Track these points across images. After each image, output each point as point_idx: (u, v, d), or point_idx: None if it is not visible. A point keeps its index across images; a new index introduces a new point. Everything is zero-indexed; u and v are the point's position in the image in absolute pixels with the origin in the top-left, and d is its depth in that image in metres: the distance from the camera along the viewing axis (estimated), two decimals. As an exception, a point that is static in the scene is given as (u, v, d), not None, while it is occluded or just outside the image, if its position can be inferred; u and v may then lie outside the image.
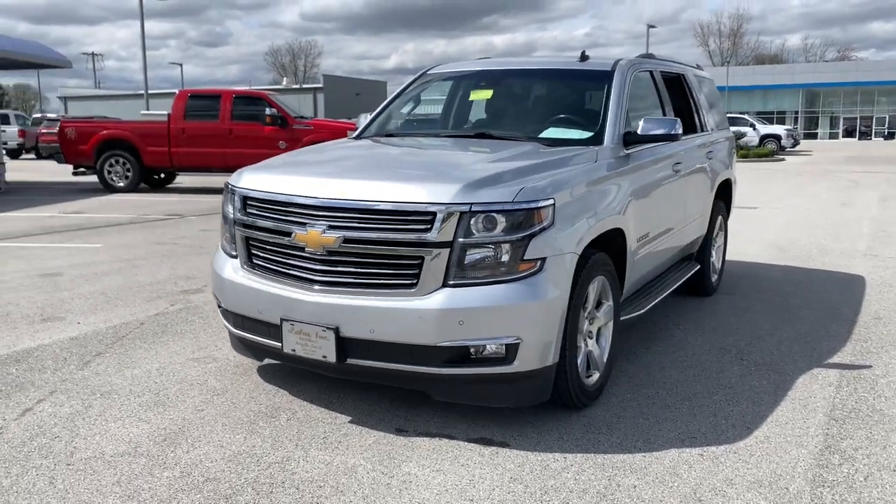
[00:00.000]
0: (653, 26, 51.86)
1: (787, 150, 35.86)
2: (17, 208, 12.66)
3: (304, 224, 3.53)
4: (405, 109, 5.34)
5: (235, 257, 3.93)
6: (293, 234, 3.55)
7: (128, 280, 6.82)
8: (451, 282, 3.33)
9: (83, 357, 4.63)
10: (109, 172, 15.54)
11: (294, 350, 3.58)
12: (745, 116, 38.38)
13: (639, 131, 4.37)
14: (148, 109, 27.89)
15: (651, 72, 5.23)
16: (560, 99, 4.97)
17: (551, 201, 3.44)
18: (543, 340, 3.42)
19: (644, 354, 4.84)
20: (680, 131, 4.38)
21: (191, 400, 3.96)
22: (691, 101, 5.96)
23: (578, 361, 3.79)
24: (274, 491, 3.04)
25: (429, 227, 3.31)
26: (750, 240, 9.45)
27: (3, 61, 17.42)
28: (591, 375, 3.96)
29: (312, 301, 3.49)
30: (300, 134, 14.68)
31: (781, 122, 57.86)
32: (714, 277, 6.47)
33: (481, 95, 5.15)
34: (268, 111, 14.79)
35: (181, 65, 79.11)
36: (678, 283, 5.35)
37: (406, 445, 3.46)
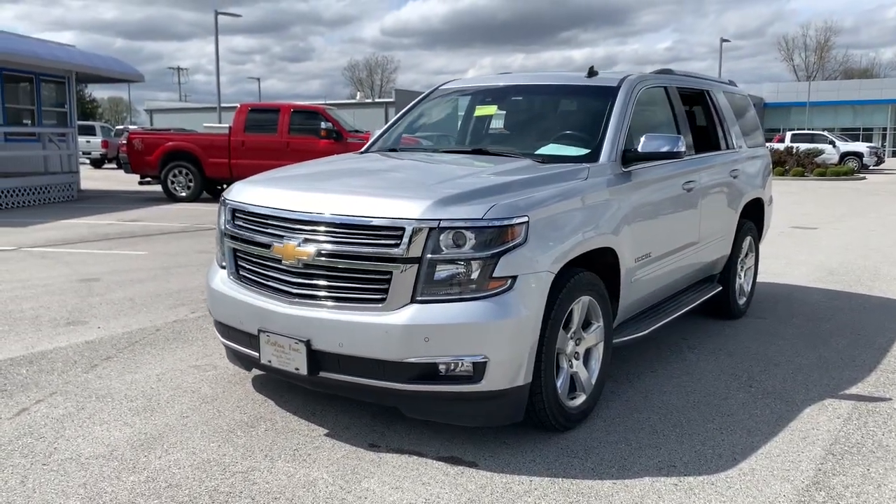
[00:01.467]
0: (727, 40, 50.56)
1: (871, 168, 34.38)
2: (82, 215, 13.26)
3: (282, 237, 3.58)
4: (416, 125, 5.36)
5: (225, 268, 4.01)
6: (272, 247, 3.61)
7: (159, 287, 7.05)
8: (420, 298, 3.32)
9: (92, 361, 4.80)
10: (173, 183, 16.12)
11: (270, 361, 3.62)
12: (825, 133, 37.01)
13: (639, 148, 4.27)
14: (221, 122, 28.84)
15: (666, 88, 5.11)
16: (562, 115, 4.90)
17: (525, 218, 3.39)
18: (512, 360, 3.36)
19: (647, 377, 4.70)
20: (683, 148, 4.26)
21: (179, 406, 4.06)
22: (715, 117, 5.79)
23: (559, 383, 3.71)
24: (230, 501, 3.07)
25: (398, 242, 3.31)
26: (800, 262, 9.09)
27: (79, 75, 18.35)
28: (575, 397, 3.87)
29: (286, 313, 3.53)
30: (354, 147, 14.88)
31: (868, 139, 55.48)
32: (742, 301, 6.24)
33: (486, 111, 5.12)
34: (323, 125, 15.09)
35: (258, 79, 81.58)
36: (691, 306, 5.18)
37: (374, 461, 3.45)
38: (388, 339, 3.29)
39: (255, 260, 3.79)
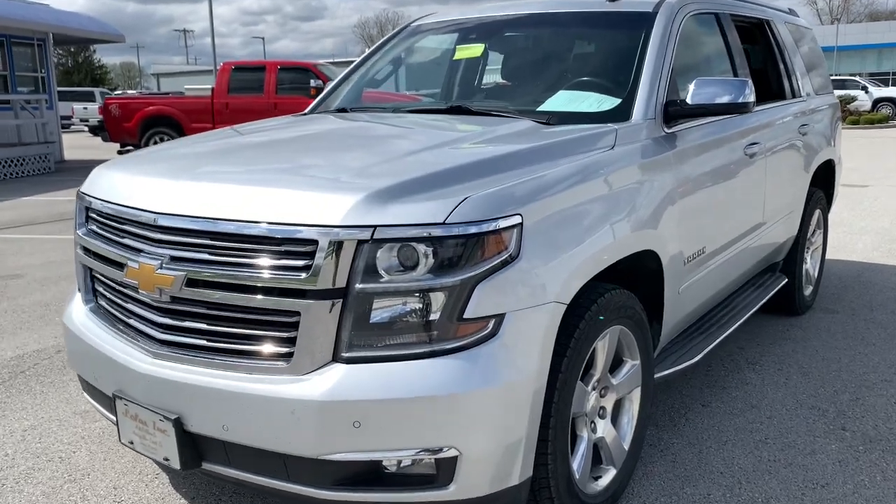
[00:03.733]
0: (753, -17, 47.89)
1: (905, 114, 32.41)
2: (48, 191, 12.03)
3: (139, 251, 2.30)
4: (380, 75, 4.02)
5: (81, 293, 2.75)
6: (125, 268, 2.33)
7: (89, 285, 5.80)
8: (346, 354, 2.04)
9: (-53, 407, 3.59)
10: (154, 151, 14.82)
11: (132, 442, 2.37)
12: (857, 78, 34.97)
13: (688, 99, 2.93)
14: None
15: (717, 15, 3.72)
16: (577, 55, 3.52)
17: (516, 219, 2.09)
18: (500, 450, 2.09)
19: (697, 416, 3.41)
20: (752, 98, 2.92)
21: (30, 491, 2.83)
22: (778, 56, 4.39)
23: (576, 463, 2.44)
24: None
25: (307, 263, 2.02)
26: (859, 229, 7.70)
27: (56, 37, 17.03)
28: (600, 476, 2.61)
29: (146, 373, 2.26)
30: (348, 107, 13.52)
31: (897, 83, 52.93)
32: (808, 290, 4.91)
33: (468, 53, 3.76)
34: (313, 83, 13.65)
35: (263, 38, 79.70)
36: (753, 310, 3.86)
37: None
38: (296, 424, 2.02)
39: (111, 286, 2.52)
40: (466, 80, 4.01)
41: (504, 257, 2.06)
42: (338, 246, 1.99)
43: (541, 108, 3.05)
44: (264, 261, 2.07)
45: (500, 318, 2.05)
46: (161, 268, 2.20)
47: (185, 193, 2.27)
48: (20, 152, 14.79)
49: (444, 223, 2.00)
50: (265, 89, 14.08)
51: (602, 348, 2.50)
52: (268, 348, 2.10)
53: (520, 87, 3.50)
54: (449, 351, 2.02)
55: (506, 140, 2.64)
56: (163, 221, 2.24)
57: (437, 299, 2.01)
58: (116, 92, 39.94)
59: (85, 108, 33.49)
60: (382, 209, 2.01)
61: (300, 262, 2.03)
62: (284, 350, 2.08)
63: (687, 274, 3.03)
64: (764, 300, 4.05)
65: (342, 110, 3.63)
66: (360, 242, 1.99)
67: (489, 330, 2.05)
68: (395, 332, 2.03)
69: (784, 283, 4.40)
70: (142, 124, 14.70)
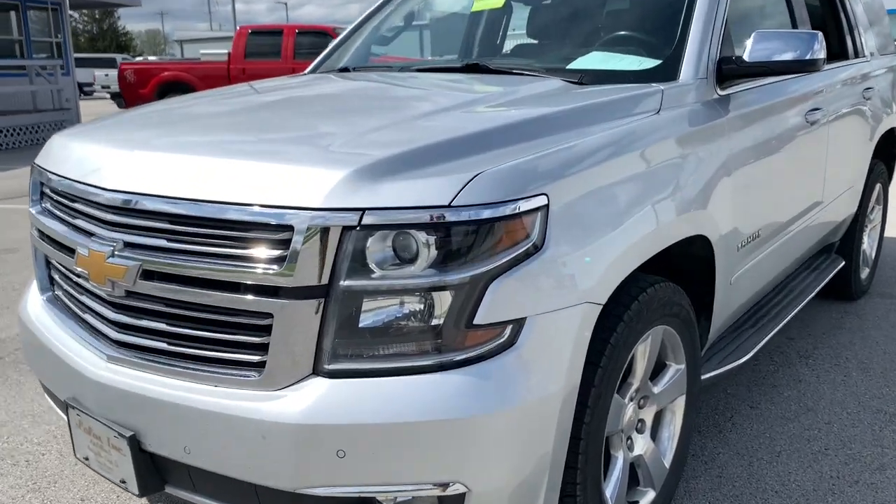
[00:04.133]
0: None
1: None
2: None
3: (91, 235, 1.93)
4: (391, 32, 3.60)
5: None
6: (75, 255, 1.96)
7: (87, 260, 5.49)
8: (329, 366, 1.65)
9: (-87, 398, 3.28)
10: (170, 118, 14.54)
11: (87, 458, 2.02)
12: (898, 44, 33.72)
13: (746, 56, 2.48)
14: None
15: (776, -41, 3.24)
16: (615, 5, 3.07)
17: (541, 200, 1.68)
18: (517, 484, 1.70)
19: (744, 420, 3.01)
20: (822, 55, 2.47)
21: (-12, 501, 2.51)
22: (840, 10, 3.89)
23: (609, 489, 2.06)
24: None
25: (282, 254, 1.63)
26: (911, 203, 7.14)
27: (72, 1, 16.69)
28: (637, 500, 2.22)
29: (99, 380, 1.90)
30: (368, 72, 13.07)
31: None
32: (864, 273, 4.45)
33: (487, 4, 3.32)
34: (331, 47, 13.23)
35: (286, 4, 78.98)
36: (808, 298, 3.42)
37: None
38: (269, 451, 1.65)
39: (65, 274, 2.16)
40: (486, 34, 3.58)
41: (525, 248, 1.66)
42: (318, 233, 1.60)
43: (572, 66, 2.61)
44: (230, 250, 1.69)
45: (519, 323, 1.66)
46: (112, 255, 1.83)
47: (141, 167, 1.88)
48: (35, 119, 14.56)
49: (450, 206, 1.59)
50: (283, 54, 13.67)
51: (642, 353, 2.10)
52: (235, 356, 1.73)
53: (548, 42, 3.07)
54: (455, 364, 1.63)
55: (529, 102, 2.22)
56: (113, 199, 1.86)
57: (441, 300, 1.61)
58: (138, 58, 39.62)
59: (106, 75, 33.19)
60: (373, 188, 1.61)
61: (273, 253, 1.64)
62: (255, 359, 1.70)
63: (740, 261, 2.60)
64: (819, 286, 3.60)
65: (345, 70, 3.21)
66: (346, 229, 1.60)
67: (505, 338, 1.65)
68: (388, 339, 1.64)
69: (841, 266, 3.95)
70: (158, 90, 14.40)
